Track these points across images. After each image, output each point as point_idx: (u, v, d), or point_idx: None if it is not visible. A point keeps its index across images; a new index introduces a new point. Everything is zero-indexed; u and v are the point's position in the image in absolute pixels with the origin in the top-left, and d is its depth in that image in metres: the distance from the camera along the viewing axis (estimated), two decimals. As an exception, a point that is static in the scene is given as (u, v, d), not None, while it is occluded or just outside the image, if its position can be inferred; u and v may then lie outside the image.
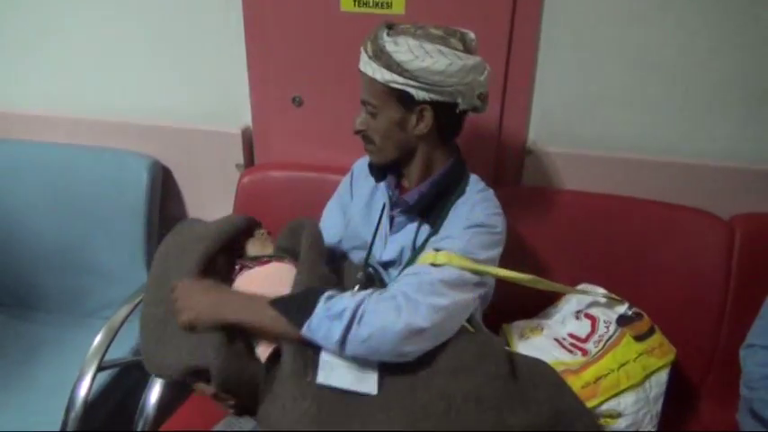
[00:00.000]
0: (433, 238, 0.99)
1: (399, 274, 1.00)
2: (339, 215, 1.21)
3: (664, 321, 1.09)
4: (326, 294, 0.89)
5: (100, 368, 1.17)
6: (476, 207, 0.99)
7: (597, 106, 1.33)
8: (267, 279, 1.00)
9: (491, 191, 1.05)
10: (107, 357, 1.19)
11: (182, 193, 1.58)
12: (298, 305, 0.89)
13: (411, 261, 1.01)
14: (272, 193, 1.42)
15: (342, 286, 1.01)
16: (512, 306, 1.11)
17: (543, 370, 0.91)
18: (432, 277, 0.90)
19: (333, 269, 1.04)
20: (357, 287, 1.00)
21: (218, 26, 1.42)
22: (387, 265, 1.07)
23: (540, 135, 1.37)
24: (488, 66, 0.99)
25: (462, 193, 1.02)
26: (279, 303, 0.90)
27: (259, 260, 1.07)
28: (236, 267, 1.06)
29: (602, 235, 1.28)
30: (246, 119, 1.49)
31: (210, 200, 1.56)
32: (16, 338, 1.44)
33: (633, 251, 1.26)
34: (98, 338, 1.20)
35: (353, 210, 1.16)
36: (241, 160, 1.50)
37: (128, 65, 1.51)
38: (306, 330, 0.87)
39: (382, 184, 1.11)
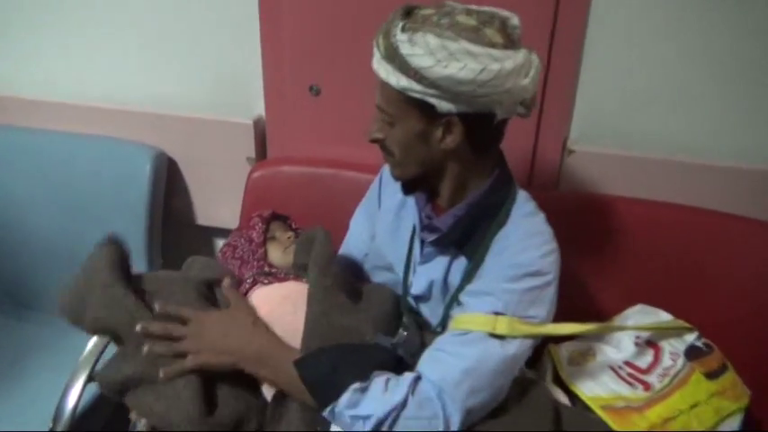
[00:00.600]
0: (471, 287, 0.83)
1: (435, 315, 0.88)
2: (366, 225, 1.06)
3: (722, 348, 0.95)
4: (353, 387, 0.75)
5: (90, 378, 1.07)
6: (524, 245, 0.81)
7: (647, 103, 1.18)
8: (284, 302, 0.88)
9: (541, 216, 0.86)
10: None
11: (188, 187, 1.47)
12: (324, 378, 0.77)
13: (450, 304, 0.86)
14: (285, 189, 1.31)
15: (367, 312, 0.88)
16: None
17: (596, 427, 0.78)
18: (479, 368, 0.76)
19: (356, 290, 0.92)
20: (403, 333, 0.87)
21: (231, 8, 1.30)
22: (415, 298, 0.93)
23: (582, 133, 1.23)
24: (536, 60, 0.78)
25: (506, 218, 0.83)
26: (304, 367, 0.78)
27: (275, 275, 0.95)
28: (248, 280, 0.95)
29: (649, 247, 1.14)
30: (259, 109, 1.37)
31: (219, 195, 1.45)
32: (7, 338, 1.35)
33: (686, 266, 1.12)
34: (90, 345, 1.08)
35: (381, 223, 1.00)
36: (252, 153, 1.38)
37: (133, 49, 1.40)
38: (328, 414, 0.77)
39: (412, 198, 0.93)
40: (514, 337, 0.76)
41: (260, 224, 1.06)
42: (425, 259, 0.90)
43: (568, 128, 1.23)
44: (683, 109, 1.17)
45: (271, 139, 1.38)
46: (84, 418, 1.12)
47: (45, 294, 1.42)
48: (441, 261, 0.87)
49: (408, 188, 0.89)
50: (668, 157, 1.18)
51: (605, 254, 1.15)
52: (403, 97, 0.76)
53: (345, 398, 0.75)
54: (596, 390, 0.85)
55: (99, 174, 1.36)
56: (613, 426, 0.80)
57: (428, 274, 0.89)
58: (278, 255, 1.04)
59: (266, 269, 1.00)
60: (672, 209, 1.15)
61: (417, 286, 0.90)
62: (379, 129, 0.83)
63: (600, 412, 0.83)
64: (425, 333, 0.89)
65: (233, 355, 0.80)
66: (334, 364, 0.77)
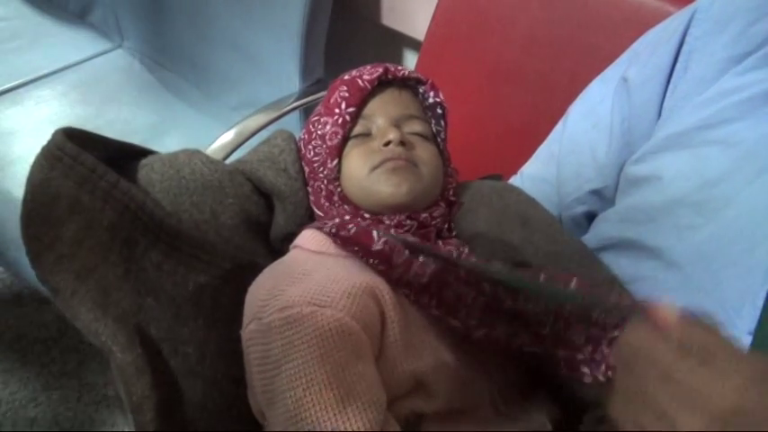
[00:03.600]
0: None
1: None
2: (608, 136, 0.54)
3: None
4: None
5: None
6: None
7: None
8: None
9: None
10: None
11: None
12: None
13: None
14: (502, 2, 0.82)
15: None
16: None
17: None
18: None
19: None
20: None
21: None
22: None
23: None
24: None
25: None
26: None
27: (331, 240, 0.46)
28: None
29: None
30: None
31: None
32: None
33: None
34: (223, 138, 0.93)
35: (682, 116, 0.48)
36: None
37: None
38: None
39: None
40: None
41: (344, 104, 0.51)
42: None
43: None
44: None
45: None
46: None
47: (195, 64, 1.22)
48: None
49: None
50: None
51: None
52: None
53: None
54: None
55: None
56: None
57: None
58: (357, 176, 0.49)
59: (334, 210, 0.51)
60: None
61: None
62: None
63: None
64: None
65: None
66: None
